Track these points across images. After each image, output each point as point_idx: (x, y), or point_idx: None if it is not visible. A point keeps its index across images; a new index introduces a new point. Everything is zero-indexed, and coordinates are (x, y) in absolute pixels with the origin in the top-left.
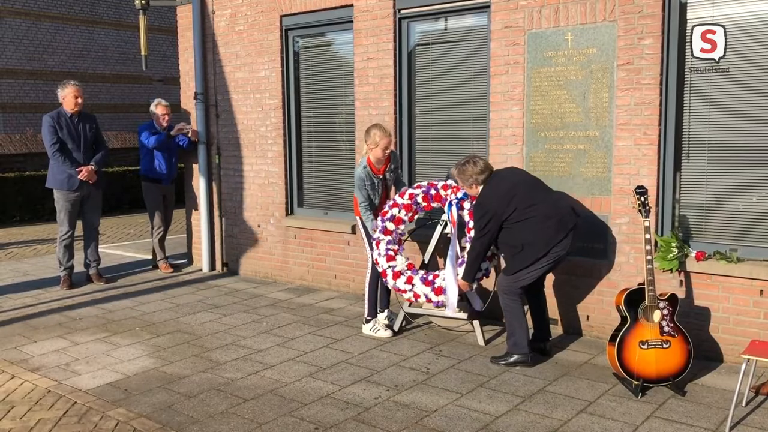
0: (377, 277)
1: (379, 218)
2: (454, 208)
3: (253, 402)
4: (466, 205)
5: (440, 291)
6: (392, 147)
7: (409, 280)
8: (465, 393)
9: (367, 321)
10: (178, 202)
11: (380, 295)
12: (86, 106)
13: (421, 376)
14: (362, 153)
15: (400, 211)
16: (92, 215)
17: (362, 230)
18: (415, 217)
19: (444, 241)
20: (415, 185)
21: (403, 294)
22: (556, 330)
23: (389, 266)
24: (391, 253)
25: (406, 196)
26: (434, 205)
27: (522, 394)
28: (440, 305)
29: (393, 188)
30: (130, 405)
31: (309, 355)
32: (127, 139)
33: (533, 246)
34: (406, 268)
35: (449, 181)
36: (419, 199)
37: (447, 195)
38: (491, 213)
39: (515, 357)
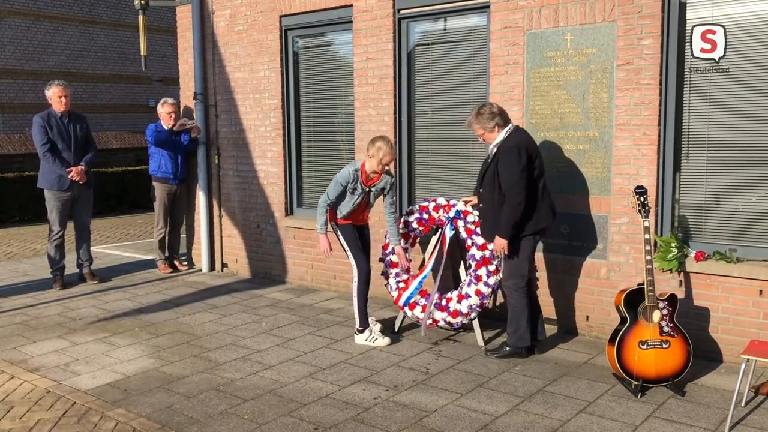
0: (365, 286)
1: (382, 251)
2: (447, 228)
3: (253, 402)
4: (460, 223)
5: (456, 314)
6: (391, 168)
7: (425, 309)
8: (464, 393)
9: (360, 332)
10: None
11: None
12: (85, 107)
13: (420, 376)
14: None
15: (399, 241)
16: (83, 215)
17: (341, 239)
18: (417, 241)
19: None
20: (407, 211)
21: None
22: (556, 330)
23: (405, 299)
24: (402, 285)
25: (402, 225)
26: (431, 226)
27: (521, 394)
28: (459, 326)
29: (370, 208)
30: (130, 405)
31: (308, 355)
32: (127, 139)
33: (538, 214)
34: (419, 297)
35: (440, 201)
36: (414, 225)
37: (440, 216)
38: (525, 155)
39: (508, 349)
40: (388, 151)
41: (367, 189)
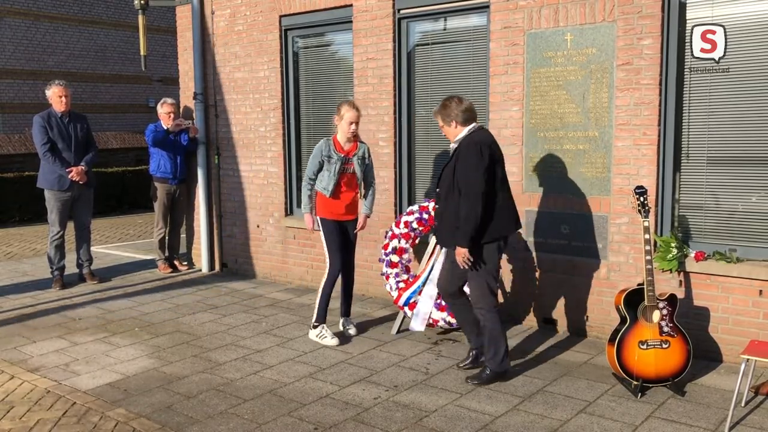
0: (333, 283)
1: (382, 251)
2: None
3: (253, 402)
4: None
5: None
6: (357, 126)
7: (413, 307)
8: (464, 393)
9: (315, 326)
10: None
11: (341, 302)
12: (85, 107)
13: (420, 376)
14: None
15: (399, 241)
16: (83, 215)
17: (322, 234)
18: (416, 241)
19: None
20: (407, 211)
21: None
22: (556, 330)
23: (405, 299)
24: (402, 285)
25: (402, 225)
26: (431, 226)
27: (521, 394)
28: (457, 326)
29: (362, 185)
30: (130, 405)
31: (308, 355)
32: (126, 139)
33: (500, 220)
34: (418, 296)
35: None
36: (414, 225)
37: None
38: (487, 153)
39: (489, 373)
40: (349, 107)
41: (344, 156)
